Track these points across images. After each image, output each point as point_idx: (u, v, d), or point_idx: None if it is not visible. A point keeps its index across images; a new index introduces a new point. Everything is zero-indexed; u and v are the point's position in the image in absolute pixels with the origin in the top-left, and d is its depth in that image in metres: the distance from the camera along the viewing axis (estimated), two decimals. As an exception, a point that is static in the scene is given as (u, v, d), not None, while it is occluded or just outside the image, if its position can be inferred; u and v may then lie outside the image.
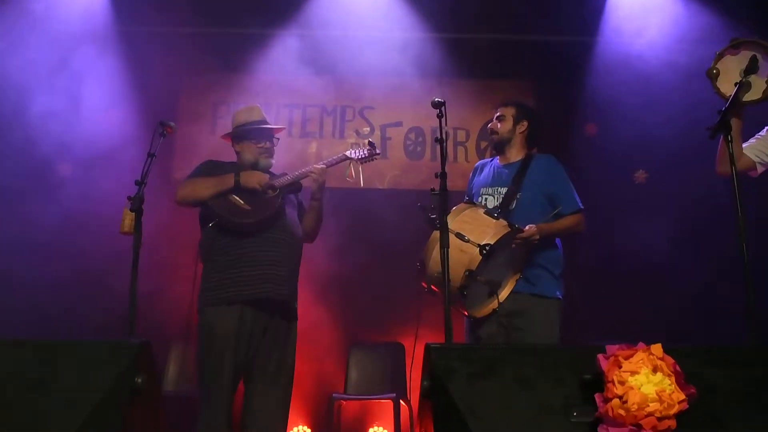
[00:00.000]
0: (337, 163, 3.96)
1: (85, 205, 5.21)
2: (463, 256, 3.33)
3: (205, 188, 3.68)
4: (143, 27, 5.89)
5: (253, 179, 3.70)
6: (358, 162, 3.94)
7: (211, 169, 3.81)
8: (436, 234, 3.30)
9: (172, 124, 3.54)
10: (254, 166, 3.82)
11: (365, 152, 3.95)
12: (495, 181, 3.92)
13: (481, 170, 4.10)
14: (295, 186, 3.83)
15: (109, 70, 5.73)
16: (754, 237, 3.08)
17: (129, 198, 3.27)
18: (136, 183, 3.32)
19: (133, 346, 2.34)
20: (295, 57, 5.91)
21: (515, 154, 3.96)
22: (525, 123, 3.96)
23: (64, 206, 5.21)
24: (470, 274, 3.31)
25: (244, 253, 3.59)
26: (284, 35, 5.96)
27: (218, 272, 3.60)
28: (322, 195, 3.90)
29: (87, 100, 5.56)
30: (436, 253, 3.23)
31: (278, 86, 6.00)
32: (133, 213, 3.26)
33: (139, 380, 2.28)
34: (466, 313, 3.60)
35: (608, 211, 5.33)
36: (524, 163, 3.87)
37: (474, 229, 3.42)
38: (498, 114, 4.01)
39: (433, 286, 3.50)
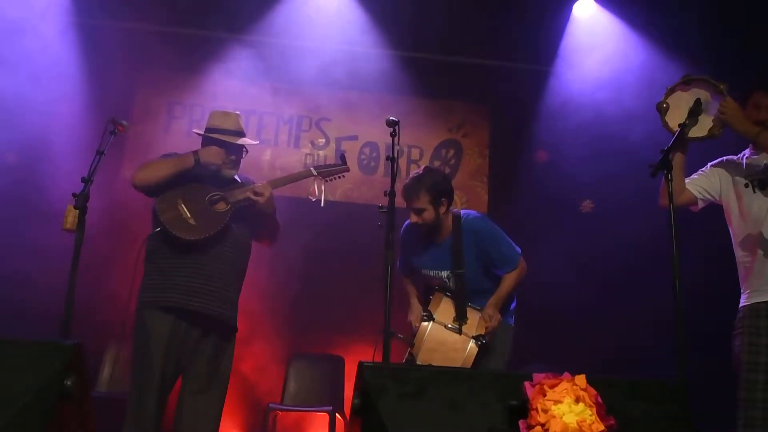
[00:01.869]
0: (299, 179, 3.89)
1: (27, 199, 5.10)
2: (454, 355, 3.51)
3: (165, 167, 3.60)
4: (102, 20, 5.80)
5: (211, 154, 3.65)
6: (323, 179, 3.86)
7: (167, 156, 3.74)
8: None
9: (123, 122, 3.49)
10: (216, 173, 3.74)
11: (331, 168, 3.89)
12: (436, 264, 3.88)
13: (414, 243, 3.96)
14: (248, 201, 3.72)
15: (63, 61, 5.63)
16: (690, 273, 3.21)
17: (74, 195, 3.22)
18: (83, 180, 3.27)
19: (64, 347, 2.32)
20: (254, 63, 5.92)
21: (446, 231, 3.84)
22: (444, 201, 3.75)
23: (3, 197, 5.10)
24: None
25: (184, 263, 3.57)
26: (246, 41, 5.97)
27: (158, 275, 3.58)
28: (271, 210, 3.80)
29: (37, 90, 5.44)
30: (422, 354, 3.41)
31: (236, 91, 5.99)
32: (77, 210, 3.21)
33: (69, 382, 2.26)
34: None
35: (552, 238, 5.45)
36: (456, 240, 3.79)
37: (445, 358, 3.51)
38: (414, 208, 3.73)
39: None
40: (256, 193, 3.66)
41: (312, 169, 3.88)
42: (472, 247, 3.79)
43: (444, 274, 3.86)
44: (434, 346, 3.55)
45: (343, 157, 3.91)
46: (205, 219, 3.59)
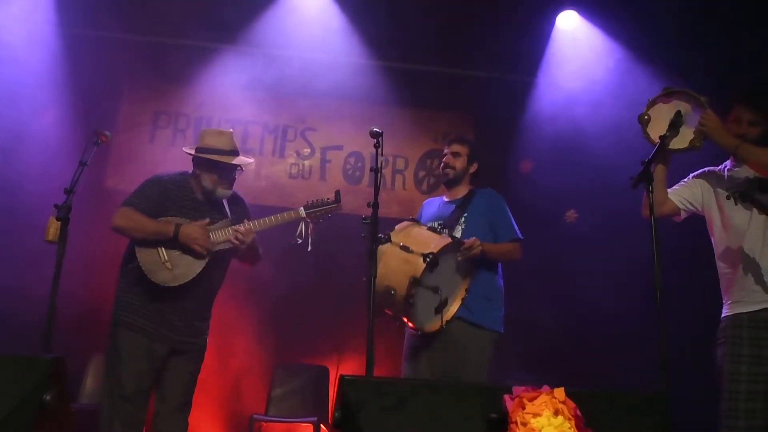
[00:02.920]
0: (286, 222, 3.79)
1: (9, 210, 5.06)
2: (408, 266, 3.46)
3: (144, 232, 3.57)
4: (86, 29, 5.79)
5: (192, 238, 3.55)
6: (311, 221, 3.79)
7: (156, 196, 3.65)
8: (382, 248, 3.43)
9: (107, 133, 3.50)
10: (210, 194, 3.73)
11: (321, 208, 3.80)
12: (441, 215, 4.08)
13: (429, 207, 4.28)
14: (228, 244, 3.67)
15: (48, 70, 5.60)
16: (673, 284, 3.22)
17: (56, 206, 3.21)
18: (65, 191, 3.26)
19: (44, 361, 2.31)
20: (240, 73, 5.92)
21: (461, 191, 4.14)
22: (476, 165, 4.15)
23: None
24: (415, 281, 3.42)
25: (161, 296, 3.59)
26: (231, 51, 5.96)
27: (131, 294, 3.62)
28: (253, 249, 3.78)
29: (20, 99, 5.42)
30: (381, 268, 3.33)
31: (221, 100, 5.99)
32: (59, 222, 3.20)
33: (48, 397, 2.26)
34: (412, 326, 3.68)
35: (534, 248, 5.46)
36: (468, 197, 4.08)
37: (417, 243, 3.56)
38: (454, 150, 4.15)
39: (386, 310, 3.59)
40: (238, 239, 3.62)
41: (301, 209, 3.80)
42: (481, 206, 4.02)
43: (436, 224, 3.94)
44: (387, 261, 3.53)
45: (337, 194, 3.85)
46: (182, 265, 3.58)
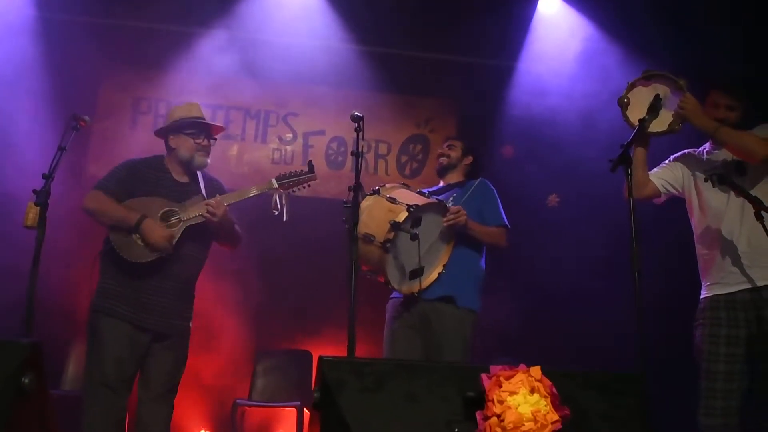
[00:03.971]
0: (259, 193, 3.76)
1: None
2: (391, 214, 3.49)
3: (107, 219, 3.59)
4: (65, 15, 5.71)
5: (152, 238, 3.51)
6: (285, 191, 3.77)
7: (127, 177, 3.68)
8: (369, 199, 3.54)
9: (86, 117, 3.47)
10: (189, 164, 3.73)
11: (295, 179, 3.77)
12: (432, 194, 4.09)
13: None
14: (201, 219, 3.63)
15: (24, 55, 5.53)
16: (652, 266, 3.24)
17: (35, 191, 3.20)
18: (44, 176, 3.24)
19: (22, 346, 2.31)
20: (220, 58, 5.86)
21: (455, 177, 4.21)
22: (470, 157, 4.25)
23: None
24: (395, 224, 3.43)
25: (133, 275, 3.58)
26: (211, 35, 5.91)
27: (110, 281, 3.61)
28: (228, 225, 3.75)
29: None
30: (365, 217, 3.42)
31: (201, 85, 5.90)
32: (38, 207, 3.18)
33: (26, 381, 2.25)
34: (381, 279, 3.67)
35: (516, 232, 5.49)
36: (461, 183, 4.17)
37: (404, 197, 3.61)
38: (449, 143, 4.30)
39: (363, 266, 3.57)
40: (209, 212, 3.60)
41: (273, 180, 3.77)
42: (473, 192, 4.05)
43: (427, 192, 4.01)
44: (371, 211, 3.57)
45: (310, 164, 3.83)
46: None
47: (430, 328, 3.84)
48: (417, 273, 3.67)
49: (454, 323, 3.85)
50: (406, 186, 3.86)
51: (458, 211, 3.75)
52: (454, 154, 4.22)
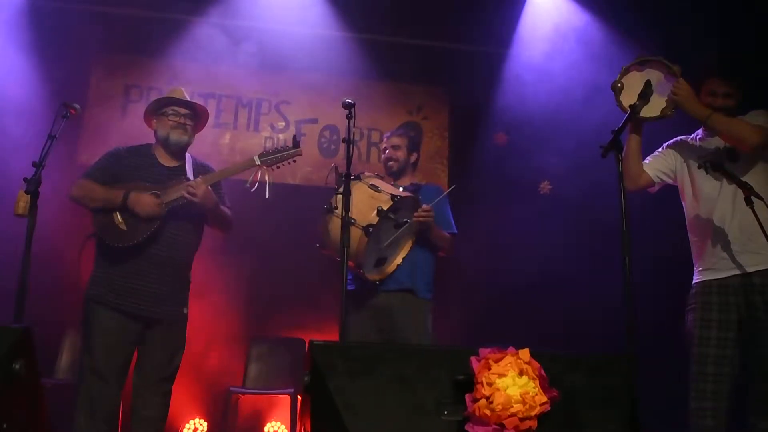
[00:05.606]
0: (240, 171, 3.78)
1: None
2: (374, 201, 3.55)
3: (93, 202, 3.62)
4: (56, 1, 5.68)
5: (139, 206, 3.54)
6: (268, 168, 3.74)
7: (112, 165, 3.71)
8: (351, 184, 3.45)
9: (76, 105, 3.46)
10: (167, 142, 3.74)
11: (278, 155, 3.74)
12: None
13: None
14: (182, 200, 3.63)
15: (13, 42, 5.49)
16: (645, 250, 3.24)
17: (25, 180, 3.19)
18: (34, 165, 3.24)
19: (12, 331, 2.31)
20: (212, 45, 5.84)
21: (408, 180, 4.21)
22: (415, 155, 4.26)
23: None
24: (381, 211, 3.49)
25: (121, 262, 3.59)
26: (203, 23, 5.88)
27: (101, 270, 3.63)
28: (212, 206, 3.73)
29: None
30: (333, 225, 3.49)
31: (193, 73, 5.90)
32: (29, 195, 3.19)
33: (17, 366, 2.26)
34: (351, 264, 3.66)
35: (513, 220, 5.51)
36: (414, 190, 4.05)
37: (385, 187, 3.69)
38: (393, 143, 4.22)
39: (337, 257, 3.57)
40: (189, 192, 3.59)
41: (255, 158, 3.75)
42: (427, 199, 3.99)
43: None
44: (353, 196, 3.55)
45: (295, 140, 3.79)
46: (135, 224, 3.57)
47: (392, 318, 3.90)
48: (381, 262, 3.78)
49: (417, 313, 3.94)
50: (381, 177, 3.91)
51: (429, 210, 3.81)
52: (401, 154, 4.18)
